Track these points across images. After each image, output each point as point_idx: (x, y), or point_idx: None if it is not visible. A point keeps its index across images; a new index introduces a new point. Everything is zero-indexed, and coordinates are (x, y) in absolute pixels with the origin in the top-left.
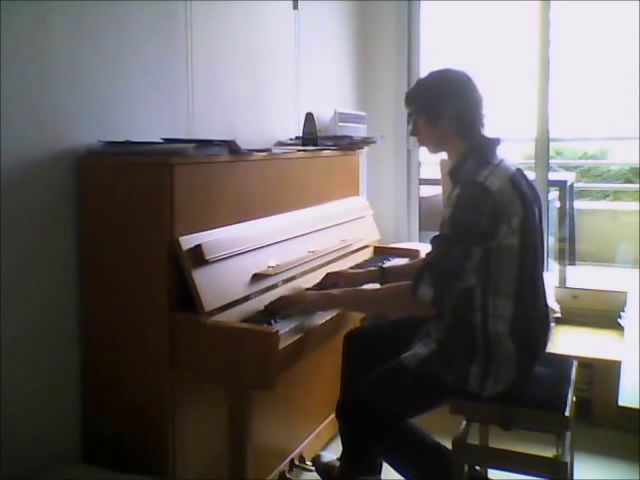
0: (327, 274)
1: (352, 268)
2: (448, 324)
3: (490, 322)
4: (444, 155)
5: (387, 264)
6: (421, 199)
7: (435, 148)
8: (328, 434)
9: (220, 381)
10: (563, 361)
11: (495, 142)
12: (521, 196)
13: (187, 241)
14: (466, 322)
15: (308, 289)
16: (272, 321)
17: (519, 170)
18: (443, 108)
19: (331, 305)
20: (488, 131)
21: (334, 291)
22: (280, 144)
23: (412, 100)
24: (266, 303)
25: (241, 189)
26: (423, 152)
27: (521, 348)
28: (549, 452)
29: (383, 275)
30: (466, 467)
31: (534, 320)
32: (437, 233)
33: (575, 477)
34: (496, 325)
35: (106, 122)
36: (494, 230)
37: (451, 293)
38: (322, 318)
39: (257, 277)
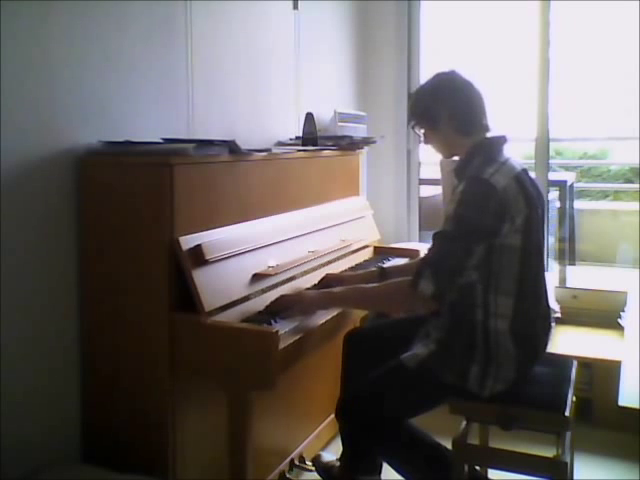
0: (326, 275)
1: (352, 268)
2: (448, 323)
3: (491, 320)
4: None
5: (387, 264)
6: (421, 199)
7: (446, 151)
8: (328, 434)
9: (220, 381)
10: (563, 361)
11: (501, 140)
12: (525, 195)
13: (187, 241)
14: (467, 320)
15: (307, 289)
16: (272, 321)
17: (524, 170)
18: (439, 110)
19: (331, 303)
20: (492, 129)
21: (334, 289)
22: (280, 144)
23: (412, 113)
24: (266, 303)
25: (241, 189)
26: (423, 152)
27: (521, 347)
28: (549, 452)
29: (383, 275)
30: (466, 467)
31: (535, 320)
32: (439, 229)
33: (575, 477)
34: (497, 323)
35: (106, 122)
36: (497, 228)
37: (451, 288)
38: (322, 318)
39: (257, 277)
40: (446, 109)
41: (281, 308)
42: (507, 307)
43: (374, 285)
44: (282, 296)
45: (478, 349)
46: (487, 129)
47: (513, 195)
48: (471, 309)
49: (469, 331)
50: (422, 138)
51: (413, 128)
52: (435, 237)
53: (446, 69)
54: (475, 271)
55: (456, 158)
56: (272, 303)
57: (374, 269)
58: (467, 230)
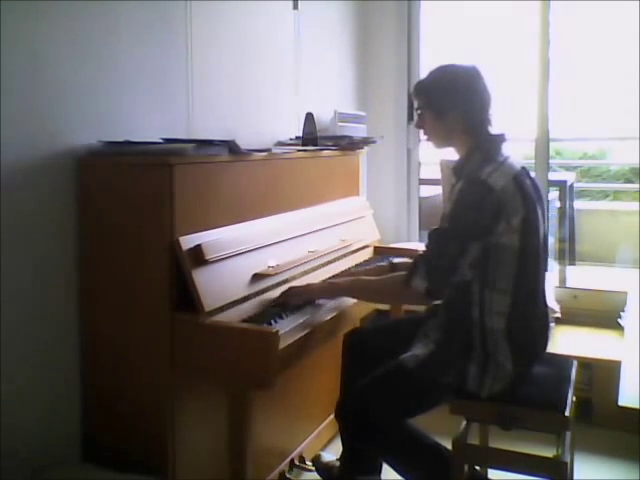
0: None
1: (352, 268)
2: (446, 323)
3: (487, 318)
4: (446, 151)
5: (397, 260)
6: (421, 199)
7: (440, 144)
8: (328, 434)
9: (220, 381)
10: (563, 361)
11: (500, 139)
12: (523, 195)
13: (187, 241)
14: (463, 319)
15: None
16: (272, 321)
17: (524, 169)
18: (451, 107)
19: (335, 293)
20: (493, 128)
21: (338, 280)
22: (280, 144)
23: (421, 93)
24: (267, 303)
25: (241, 189)
26: (423, 152)
27: (519, 346)
28: (549, 452)
29: (393, 270)
30: (466, 467)
31: (532, 319)
32: (436, 227)
33: (575, 477)
34: (493, 322)
35: (106, 122)
36: (492, 228)
37: (445, 285)
38: (322, 318)
39: (257, 277)
40: (460, 109)
41: (289, 298)
42: (504, 305)
43: (374, 278)
44: (291, 287)
45: (476, 348)
46: (488, 130)
47: (510, 195)
48: (467, 307)
49: (466, 330)
50: (418, 120)
51: (417, 109)
52: (430, 235)
53: (467, 63)
54: (470, 270)
55: (446, 152)
56: (281, 294)
57: (384, 264)
58: (462, 229)
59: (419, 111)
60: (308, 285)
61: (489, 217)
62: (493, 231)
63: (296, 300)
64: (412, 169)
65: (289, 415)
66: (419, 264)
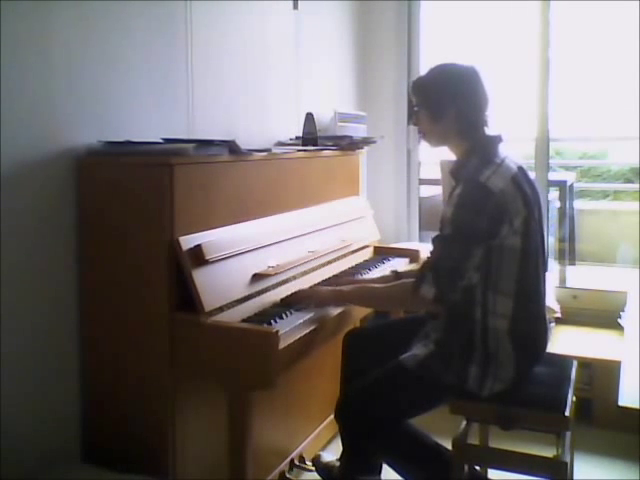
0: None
1: (352, 268)
2: (447, 323)
3: (490, 319)
4: (444, 152)
5: (402, 268)
6: (421, 199)
7: (436, 143)
8: (328, 434)
9: (220, 381)
10: (563, 361)
11: (497, 140)
12: (523, 196)
13: (187, 241)
14: (466, 320)
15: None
16: (272, 321)
17: (521, 168)
18: (448, 107)
19: (341, 300)
20: (490, 129)
21: (344, 287)
22: (280, 144)
23: (418, 92)
24: (269, 301)
25: (241, 189)
26: (423, 152)
27: (520, 347)
28: (549, 452)
29: (398, 279)
30: (466, 467)
31: (534, 320)
32: (438, 232)
33: (575, 477)
34: (496, 322)
35: (106, 122)
36: (495, 230)
37: (453, 291)
38: (322, 318)
39: (257, 277)
40: (456, 111)
41: (296, 301)
42: (506, 307)
43: (381, 286)
44: (299, 291)
45: (477, 349)
46: (484, 131)
47: (511, 197)
48: (470, 308)
49: (468, 330)
50: (415, 117)
51: (414, 106)
52: (434, 241)
53: (466, 63)
54: (476, 272)
55: (444, 153)
56: (288, 296)
57: (389, 274)
58: (465, 233)
59: (416, 108)
60: (315, 290)
61: (491, 220)
62: (497, 234)
63: (303, 305)
64: (412, 169)
65: (289, 415)
66: (426, 271)
